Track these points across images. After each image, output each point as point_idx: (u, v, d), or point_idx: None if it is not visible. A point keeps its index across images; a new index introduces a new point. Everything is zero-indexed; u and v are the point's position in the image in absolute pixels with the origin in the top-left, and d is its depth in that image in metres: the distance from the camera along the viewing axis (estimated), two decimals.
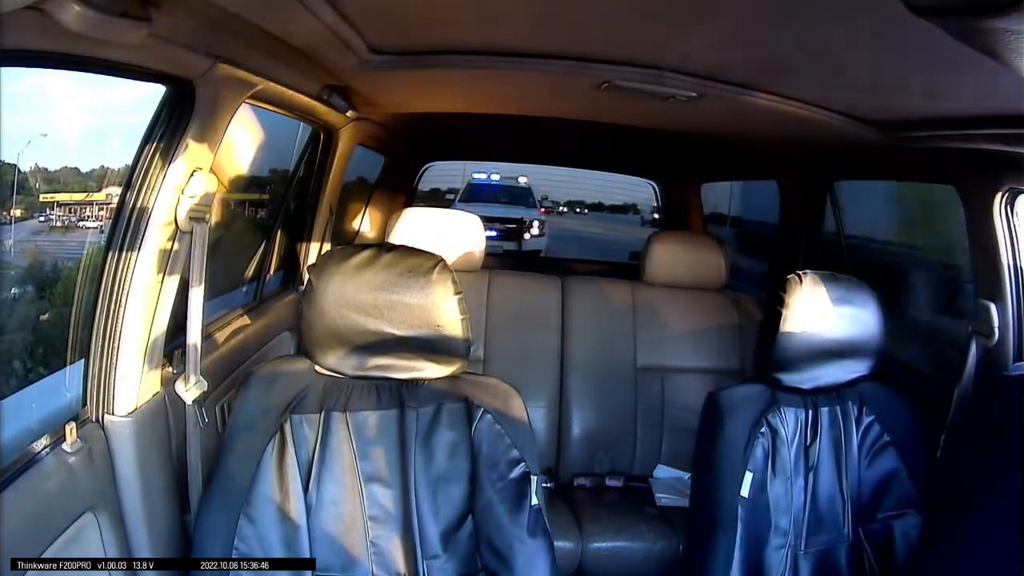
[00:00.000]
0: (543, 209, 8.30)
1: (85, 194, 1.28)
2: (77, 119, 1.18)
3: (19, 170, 1.15)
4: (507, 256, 5.14)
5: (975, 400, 1.38)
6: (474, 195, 7.80)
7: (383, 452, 1.10)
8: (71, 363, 1.03)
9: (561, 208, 11.17)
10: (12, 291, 1.17)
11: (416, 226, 2.11)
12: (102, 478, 0.96)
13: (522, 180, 8.37)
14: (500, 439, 1.11)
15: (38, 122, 1.11)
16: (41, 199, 1.25)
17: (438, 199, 7.25)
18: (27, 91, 0.91)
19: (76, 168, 1.32)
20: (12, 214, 1.19)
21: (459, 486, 1.10)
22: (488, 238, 2.17)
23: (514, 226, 6.87)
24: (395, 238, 2.07)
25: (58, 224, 1.27)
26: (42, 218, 1.26)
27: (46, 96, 1.05)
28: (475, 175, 8.01)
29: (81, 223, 1.27)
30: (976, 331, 1.41)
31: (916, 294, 2.41)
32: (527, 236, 6.97)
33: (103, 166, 1.31)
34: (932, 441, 1.37)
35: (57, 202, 1.27)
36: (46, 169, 1.25)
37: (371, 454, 1.10)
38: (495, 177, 8.06)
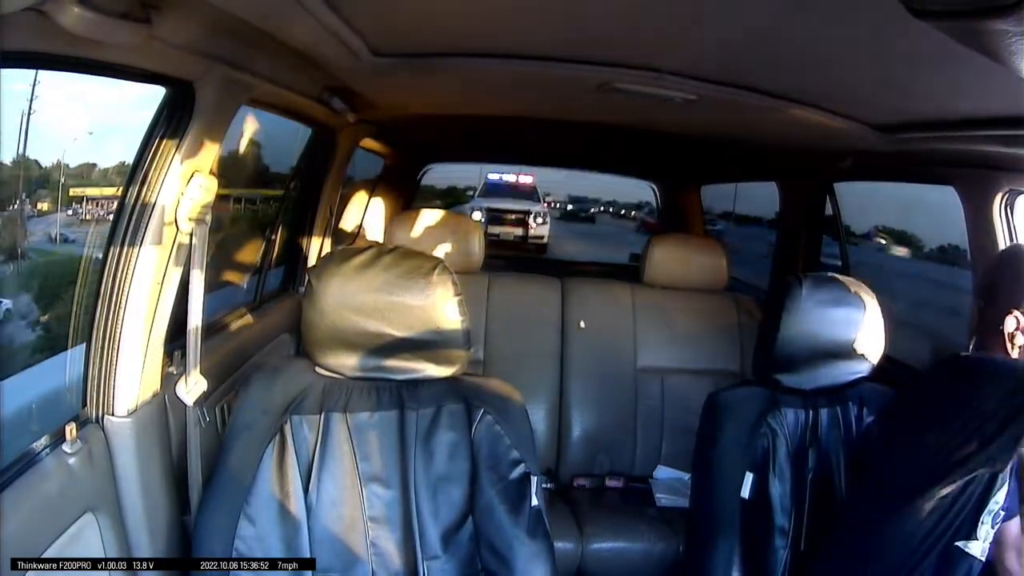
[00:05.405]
0: (545, 204, 9.56)
1: (115, 189, 1.32)
2: (108, 117, 1.22)
3: (39, 166, 1.21)
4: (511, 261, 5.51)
5: None
6: (489, 191, 9.44)
7: (383, 453, 1.10)
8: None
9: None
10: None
11: (416, 228, 2.11)
12: (102, 478, 0.96)
13: (529, 179, 9.90)
14: (500, 440, 1.10)
15: (81, 122, 1.18)
16: (71, 193, 1.30)
17: (456, 195, 9.37)
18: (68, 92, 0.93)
19: (102, 164, 1.37)
20: (37, 207, 1.25)
21: (459, 487, 1.10)
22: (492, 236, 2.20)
23: (522, 216, 8.44)
24: (395, 239, 2.07)
25: (87, 217, 1.31)
26: (70, 212, 1.31)
27: (86, 96, 1.07)
28: (490, 176, 9.56)
29: (109, 216, 1.31)
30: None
31: None
32: (532, 225, 8.42)
33: (123, 163, 1.35)
34: None
35: (87, 196, 1.32)
36: (67, 165, 1.31)
37: (371, 455, 1.10)
38: (507, 177, 9.77)
